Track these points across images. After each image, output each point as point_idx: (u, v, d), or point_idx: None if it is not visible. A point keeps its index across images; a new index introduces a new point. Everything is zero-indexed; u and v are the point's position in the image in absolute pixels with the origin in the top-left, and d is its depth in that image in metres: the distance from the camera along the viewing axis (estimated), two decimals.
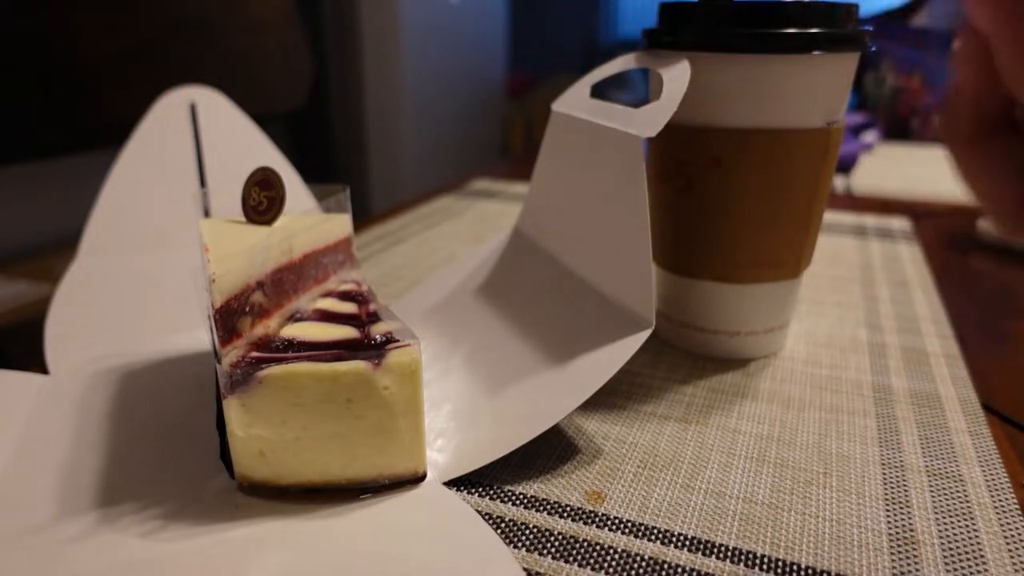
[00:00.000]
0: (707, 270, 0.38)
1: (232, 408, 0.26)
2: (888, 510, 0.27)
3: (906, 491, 0.29)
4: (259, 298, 0.27)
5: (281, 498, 0.27)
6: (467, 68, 2.43)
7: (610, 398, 0.35)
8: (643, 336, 0.30)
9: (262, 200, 0.32)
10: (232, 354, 0.26)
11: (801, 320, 0.45)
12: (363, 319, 0.29)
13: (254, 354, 0.26)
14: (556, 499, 0.28)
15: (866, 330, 0.43)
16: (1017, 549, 0.25)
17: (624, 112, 0.34)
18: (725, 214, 0.36)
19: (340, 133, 1.85)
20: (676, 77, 0.32)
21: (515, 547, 0.25)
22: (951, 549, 0.25)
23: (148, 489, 0.28)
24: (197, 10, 1.13)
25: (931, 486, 0.29)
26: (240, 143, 0.54)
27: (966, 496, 0.28)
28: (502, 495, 0.28)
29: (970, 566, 0.25)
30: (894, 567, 0.25)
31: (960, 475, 0.29)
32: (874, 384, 0.37)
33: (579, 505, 0.28)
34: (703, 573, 0.24)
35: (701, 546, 0.25)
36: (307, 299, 0.31)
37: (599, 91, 0.38)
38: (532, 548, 0.25)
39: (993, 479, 0.29)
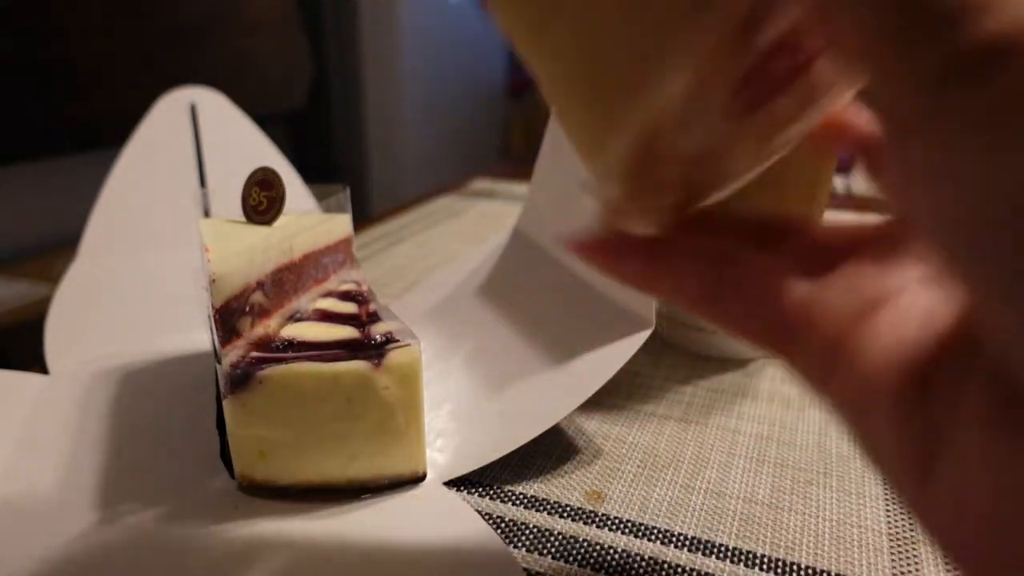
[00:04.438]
0: None
1: (232, 408, 0.26)
2: (888, 510, 0.27)
3: None
4: (259, 298, 0.27)
5: (281, 498, 0.27)
6: (467, 68, 2.43)
7: (610, 398, 0.35)
8: (643, 336, 0.30)
9: (262, 200, 0.32)
10: (232, 354, 0.26)
11: None
12: (363, 319, 0.29)
13: (254, 354, 0.26)
14: (556, 499, 0.28)
15: None
16: None
17: None
18: None
19: (340, 133, 1.85)
20: None
21: (515, 547, 0.25)
22: None
23: (148, 489, 0.28)
24: (197, 10, 1.13)
25: None
26: (240, 143, 0.54)
27: None
28: (502, 495, 0.28)
29: None
30: (894, 567, 0.25)
31: None
32: None
33: (579, 505, 0.28)
34: (703, 573, 0.24)
35: (701, 546, 0.25)
36: (307, 299, 0.31)
37: None
38: (532, 548, 0.25)
39: None
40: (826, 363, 0.15)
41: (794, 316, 0.16)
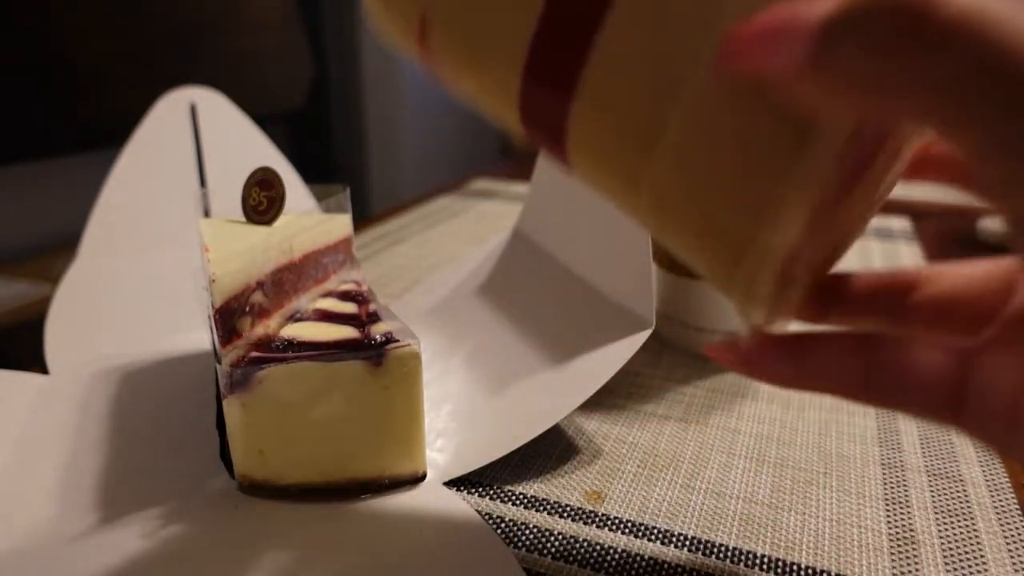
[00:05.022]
0: None
1: (232, 408, 0.26)
2: (888, 510, 0.27)
3: (906, 491, 0.29)
4: (259, 298, 0.27)
5: (281, 498, 0.27)
6: None
7: (610, 398, 0.35)
8: (643, 336, 0.30)
9: (262, 200, 0.32)
10: (232, 354, 0.26)
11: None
12: (363, 319, 0.29)
13: (254, 354, 0.26)
14: (556, 499, 0.28)
15: None
16: (1017, 549, 0.25)
17: None
18: None
19: (340, 133, 1.85)
20: None
21: (515, 547, 0.25)
22: (951, 549, 0.25)
23: (148, 489, 0.28)
24: (197, 10, 1.13)
25: (931, 486, 0.29)
26: (240, 143, 0.54)
27: (966, 496, 0.28)
28: (502, 495, 0.28)
29: (970, 566, 0.25)
30: (894, 567, 0.25)
31: (960, 475, 0.29)
32: None
33: (579, 505, 0.28)
34: (703, 573, 0.24)
35: (701, 546, 0.25)
36: (307, 299, 0.31)
37: None
38: (532, 548, 0.25)
39: (993, 479, 0.29)
40: (1011, 422, 0.15)
41: (957, 387, 0.16)
